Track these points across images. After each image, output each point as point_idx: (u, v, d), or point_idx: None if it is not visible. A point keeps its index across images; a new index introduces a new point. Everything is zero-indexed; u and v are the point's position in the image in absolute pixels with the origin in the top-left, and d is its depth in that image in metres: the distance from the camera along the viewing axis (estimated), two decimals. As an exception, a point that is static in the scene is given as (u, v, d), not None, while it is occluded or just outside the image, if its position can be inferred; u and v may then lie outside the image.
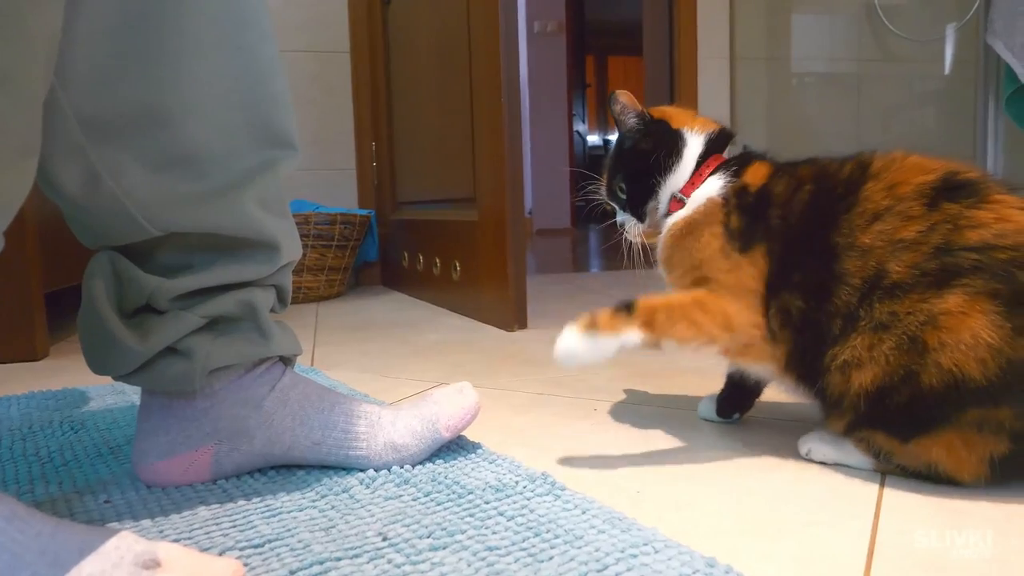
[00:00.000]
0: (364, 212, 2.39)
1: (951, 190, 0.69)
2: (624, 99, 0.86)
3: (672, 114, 0.88)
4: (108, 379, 1.10)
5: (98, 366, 0.72)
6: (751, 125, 2.86)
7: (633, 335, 0.74)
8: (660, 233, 0.86)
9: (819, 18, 2.97)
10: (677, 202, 0.84)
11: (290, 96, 0.75)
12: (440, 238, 2.01)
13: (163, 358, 0.71)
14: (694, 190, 0.83)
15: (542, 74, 5.66)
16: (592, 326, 0.74)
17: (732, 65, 2.85)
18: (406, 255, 2.31)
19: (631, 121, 0.87)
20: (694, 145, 0.85)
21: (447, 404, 0.79)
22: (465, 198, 1.82)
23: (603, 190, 0.92)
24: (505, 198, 1.58)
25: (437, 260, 2.02)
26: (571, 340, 0.74)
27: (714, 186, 0.81)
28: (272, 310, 0.78)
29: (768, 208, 0.77)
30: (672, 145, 0.85)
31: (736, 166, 0.82)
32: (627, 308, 0.75)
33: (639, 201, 0.87)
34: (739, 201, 0.79)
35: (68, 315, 0.73)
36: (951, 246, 0.66)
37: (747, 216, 0.78)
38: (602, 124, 8.32)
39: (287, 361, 0.80)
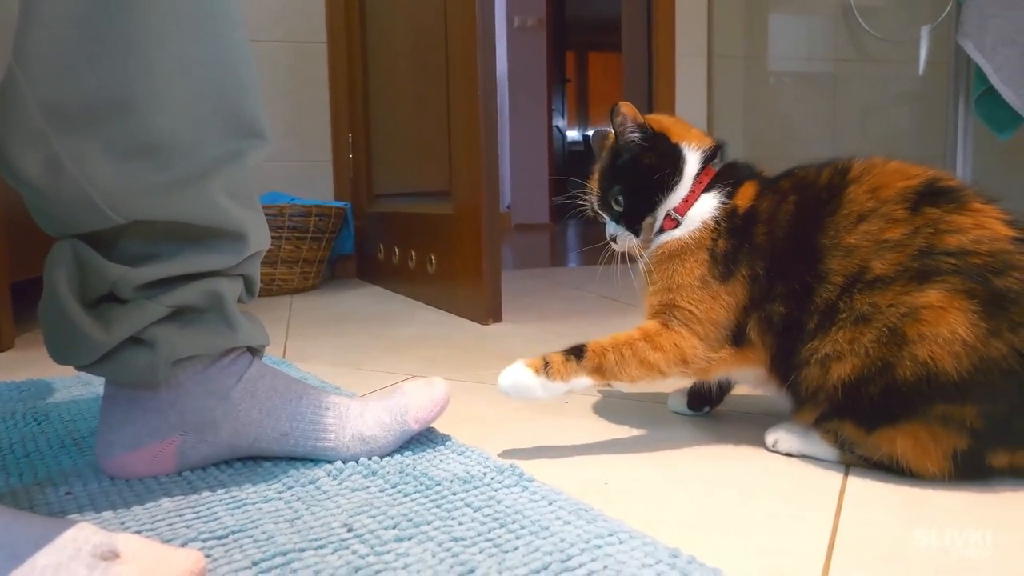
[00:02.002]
0: (340, 204, 2.38)
1: (933, 195, 0.71)
2: (626, 110, 0.84)
3: (669, 126, 0.86)
4: (73, 370, 1.08)
5: (60, 356, 0.71)
6: (728, 123, 2.88)
7: (582, 381, 0.77)
8: (647, 247, 0.85)
9: (796, 18, 3.00)
10: (671, 220, 0.83)
11: (259, 85, 0.75)
12: (416, 231, 2.00)
13: (127, 348, 0.70)
14: (688, 208, 0.82)
15: (522, 69, 5.65)
16: (544, 370, 0.77)
17: (709, 63, 2.87)
18: (382, 248, 2.29)
19: (633, 134, 0.84)
20: (692, 162, 0.84)
21: (416, 396, 0.79)
22: (441, 191, 1.81)
23: (592, 199, 0.89)
24: (481, 192, 1.58)
25: (413, 253, 2.01)
26: (522, 377, 0.77)
27: (708, 206, 0.82)
28: (240, 300, 0.77)
29: (754, 227, 0.78)
30: (675, 163, 0.83)
31: (730, 186, 0.82)
32: (578, 353, 0.78)
33: (638, 216, 0.85)
34: (729, 224, 0.80)
35: (34, 306, 0.72)
36: (932, 249, 0.68)
37: (734, 239, 0.79)
38: (582, 120, 8.33)
39: (254, 352, 0.79)
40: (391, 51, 2.19)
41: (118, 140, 0.65)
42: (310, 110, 2.53)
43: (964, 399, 0.65)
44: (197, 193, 0.69)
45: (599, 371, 0.77)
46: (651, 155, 0.84)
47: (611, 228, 0.87)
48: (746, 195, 0.81)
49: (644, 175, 0.84)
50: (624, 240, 0.86)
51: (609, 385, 0.79)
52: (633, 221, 0.85)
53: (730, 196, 0.81)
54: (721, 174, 0.84)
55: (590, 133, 8.17)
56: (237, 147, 0.72)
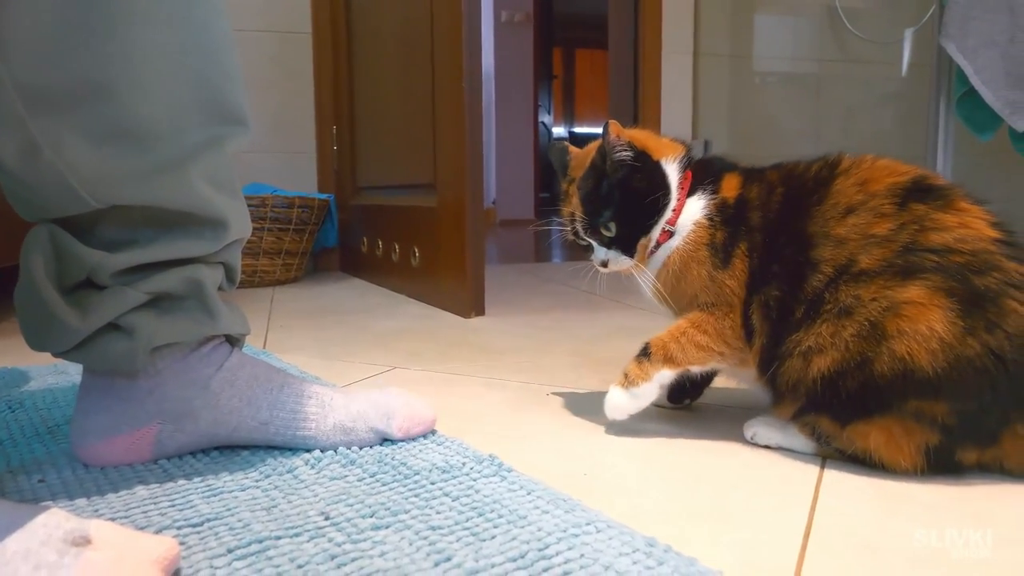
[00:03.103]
0: (323, 196, 2.36)
1: (920, 192, 0.72)
2: (614, 130, 0.81)
3: (644, 141, 0.84)
4: (50, 359, 1.07)
5: (36, 342, 0.70)
6: (713, 121, 2.89)
7: (663, 374, 0.81)
8: (643, 264, 0.84)
9: (782, 18, 3.02)
10: (666, 232, 0.83)
11: (242, 72, 0.74)
12: (400, 224, 1.99)
13: (104, 335, 0.69)
14: (678, 218, 0.82)
15: (508, 64, 5.64)
16: (629, 381, 0.81)
17: (695, 61, 2.88)
18: (365, 241, 2.28)
19: (623, 154, 0.81)
20: (673, 176, 0.83)
21: (405, 407, 0.79)
22: (425, 184, 1.80)
23: (577, 227, 0.85)
24: (465, 185, 1.58)
25: (396, 246, 2.01)
26: (617, 397, 0.82)
27: (696, 208, 0.82)
28: (220, 288, 0.77)
29: (747, 212, 0.79)
30: (664, 183, 0.82)
31: (712, 182, 0.82)
32: (645, 352, 0.82)
33: (634, 240, 0.83)
34: (722, 216, 0.80)
35: (11, 293, 0.71)
36: (916, 246, 0.68)
37: (730, 227, 0.80)
38: (568, 116, 8.34)
39: (235, 341, 0.78)
40: (377, 43, 2.18)
41: (97, 124, 0.64)
42: (294, 101, 2.52)
43: (937, 396, 0.66)
44: (177, 179, 0.68)
45: (670, 360, 0.80)
46: (642, 178, 0.82)
47: (601, 254, 0.84)
48: (731, 185, 0.82)
49: (637, 198, 0.82)
50: (618, 263, 0.84)
51: (688, 372, 0.82)
52: (629, 245, 0.83)
53: (716, 191, 0.82)
54: (697, 174, 0.84)
55: (576, 130, 8.18)
56: (218, 134, 0.71)
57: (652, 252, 0.84)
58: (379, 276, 2.17)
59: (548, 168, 6.71)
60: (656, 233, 0.83)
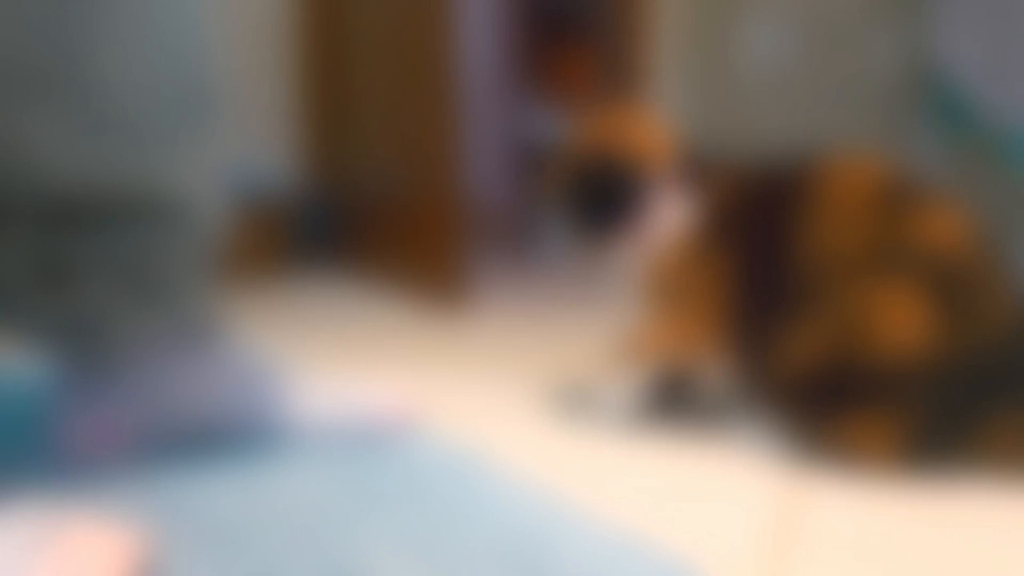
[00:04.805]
0: (304, 187, 2.34)
1: (902, 193, 0.73)
2: (615, 124, 0.82)
3: (636, 139, 0.85)
4: (17, 345, 1.05)
5: (8, 329, 0.69)
6: (694, 119, 2.90)
7: (651, 369, 0.83)
8: (619, 258, 0.85)
9: (764, 16, 3.04)
10: (648, 231, 0.83)
11: (220, 56, 0.73)
12: (382, 215, 1.99)
13: (75, 323, 0.68)
14: (660, 216, 0.82)
15: (492, 58, 5.64)
16: (621, 381, 0.84)
17: (678, 59, 2.89)
18: (347, 232, 2.28)
19: (621, 149, 0.82)
20: (659, 175, 0.83)
21: (385, 402, 0.78)
22: (407, 175, 1.80)
23: (560, 220, 0.86)
24: (448, 176, 1.58)
25: (379, 238, 2.00)
26: (612, 399, 0.84)
27: (678, 206, 0.82)
28: (195, 279, 0.75)
29: (728, 208, 0.80)
30: (651, 182, 0.82)
31: (693, 180, 0.83)
32: (630, 352, 0.84)
33: (618, 237, 0.83)
34: (702, 213, 0.81)
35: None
36: (898, 244, 0.70)
37: (710, 223, 0.80)
38: (551, 112, 8.36)
39: (211, 333, 0.77)
40: (359, 31, 2.17)
41: (68, 104, 0.63)
42: (275, 88, 2.50)
43: (914, 390, 0.67)
44: (151, 165, 0.67)
45: (653, 355, 0.83)
46: (634, 175, 0.82)
47: (579, 248, 0.85)
48: (712, 183, 0.82)
49: (628, 196, 0.82)
50: (596, 260, 0.85)
51: (674, 364, 0.84)
52: (612, 243, 0.83)
53: (696, 188, 0.82)
54: (679, 173, 0.84)
55: (559, 122, 8.22)
56: (194, 119, 0.70)
57: (632, 249, 0.84)
58: (360, 268, 2.17)
59: (531, 160, 6.73)
60: (640, 233, 0.83)
